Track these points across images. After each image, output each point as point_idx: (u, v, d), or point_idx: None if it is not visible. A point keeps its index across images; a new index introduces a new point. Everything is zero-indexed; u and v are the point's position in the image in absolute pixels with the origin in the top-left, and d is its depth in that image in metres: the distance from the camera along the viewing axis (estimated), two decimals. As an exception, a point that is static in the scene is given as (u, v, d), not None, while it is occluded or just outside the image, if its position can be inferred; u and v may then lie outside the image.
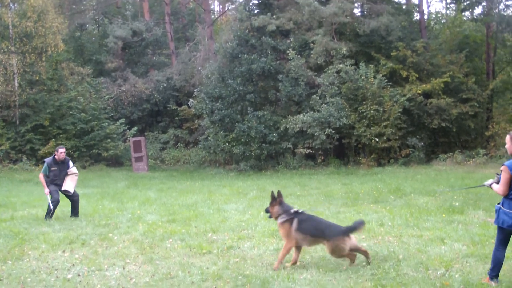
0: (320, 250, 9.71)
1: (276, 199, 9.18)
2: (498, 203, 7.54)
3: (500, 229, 7.50)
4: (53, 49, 34.92)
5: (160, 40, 47.87)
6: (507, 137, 7.47)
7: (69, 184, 14.16)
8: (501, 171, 7.39)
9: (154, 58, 47.99)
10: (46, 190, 14.00)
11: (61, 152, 14.17)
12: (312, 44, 31.90)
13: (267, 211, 9.37)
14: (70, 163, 14.57)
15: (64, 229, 12.23)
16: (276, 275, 8.05)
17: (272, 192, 9.34)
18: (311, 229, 8.69)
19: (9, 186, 24.17)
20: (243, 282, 7.78)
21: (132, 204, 16.95)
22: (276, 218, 9.05)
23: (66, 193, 14.17)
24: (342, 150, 32.98)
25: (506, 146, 7.53)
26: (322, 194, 19.00)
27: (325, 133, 29.57)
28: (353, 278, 7.91)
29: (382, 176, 25.36)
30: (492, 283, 7.46)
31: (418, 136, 31.57)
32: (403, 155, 30.84)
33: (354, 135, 30.59)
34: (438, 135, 33.56)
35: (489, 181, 7.75)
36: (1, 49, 33.47)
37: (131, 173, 32.13)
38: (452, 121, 32.03)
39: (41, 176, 14.28)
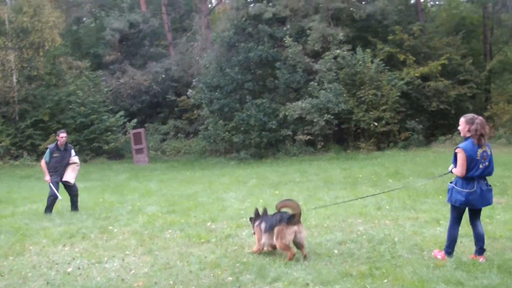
0: (317, 235, 9.83)
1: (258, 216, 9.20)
2: (451, 182, 7.95)
3: (454, 207, 7.93)
4: (50, 43, 34.90)
5: (157, 31, 47.79)
6: (461, 120, 7.86)
7: (69, 175, 14.08)
8: (455, 153, 7.75)
9: (151, 49, 47.88)
10: (47, 177, 13.95)
11: (62, 136, 13.98)
12: (308, 31, 31.97)
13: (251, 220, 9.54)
14: (73, 151, 14.43)
15: (65, 224, 12.31)
16: (272, 262, 8.14)
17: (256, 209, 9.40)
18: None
19: (10, 182, 24.27)
20: (240, 270, 7.87)
21: (132, 196, 17.05)
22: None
23: (66, 183, 14.14)
24: (341, 136, 33.05)
25: (460, 128, 7.91)
26: (321, 179, 19.11)
27: (324, 119, 29.63)
28: (348, 261, 8.02)
29: (382, 160, 25.45)
30: (448, 258, 7.88)
31: (417, 119, 31.66)
32: (402, 139, 30.96)
33: (353, 120, 30.69)
34: (436, 117, 33.60)
35: (451, 167, 8.02)
36: (-3, 45, 33.51)
37: (132, 165, 32.22)
38: (450, 103, 32.13)
39: (42, 162, 14.17)
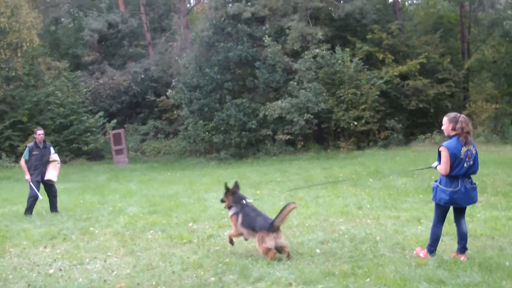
0: (299, 235, 9.86)
1: (229, 190, 9.33)
2: (435, 181, 8.01)
3: (438, 206, 7.99)
4: (28, 44, 34.55)
5: (136, 31, 47.60)
6: (444, 119, 7.89)
7: (51, 173, 14.06)
8: (439, 151, 7.81)
9: (130, 49, 47.73)
10: (27, 176, 13.94)
11: (39, 134, 14.05)
12: (287, 30, 32.03)
13: (222, 201, 9.58)
14: (52, 149, 14.44)
15: (45, 225, 12.24)
16: (255, 262, 8.14)
17: (225, 183, 9.46)
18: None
19: (-12, 184, 24.12)
20: (223, 270, 7.87)
21: (113, 197, 17.00)
22: (228, 208, 9.27)
23: (49, 182, 14.09)
24: (321, 135, 33.15)
25: (443, 127, 7.94)
26: (302, 179, 19.17)
27: (304, 118, 29.70)
28: (331, 261, 8.04)
29: (362, 159, 25.57)
30: (430, 256, 7.93)
31: (396, 118, 31.85)
32: (382, 138, 31.12)
33: (333, 119, 30.77)
34: (416, 116, 33.83)
35: (435, 164, 8.10)
36: (-26, 46, 33.20)
37: (112, 166, 32.11)
38: (429, 102, 32.35)
39: (22, 161, 14.19)
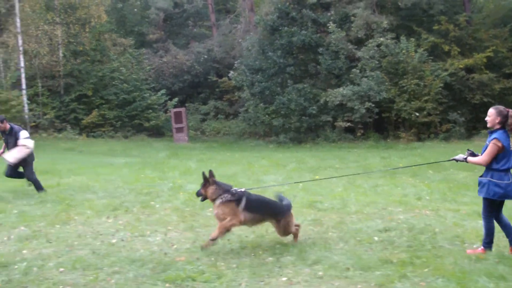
0: (357, 221, 9.86)
1: (209, 180, 8.56)
2: (481, 176, 7.86)
3: (488, 200, 7.78)
4: (96, 20, 35.44)
5: (201, 12, 48.02)
6: (491, 111, 7.77)
7: (10, 153, 13.10)
8: (492, 143, 7.60)
9: (195, 30, 48.17)
10: None
11: None
12: (352, 17, 31.79)
13: (199, 194, 8.79)
14: (21, 134, 13.17)
15: (108, 197, 12.55)
16: (313, 245, 8.22)
17: (203, 172, 8.71)
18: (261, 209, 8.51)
19: (54, 154, 24.67)
20: (280, 251, 7.94)
21: (173, 174, 17.22)
22: (214, 199, 8.49)
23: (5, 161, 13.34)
24: (381, 124, 32.87)
25: (488, 119, 7.79)
26: (360, 167, 19.08)
27: (365, 106, 29.58)
28: (389, 249, 8.04)
29: (422, 151, 25.28)
30: (486, 251, 7.81)
31: (459, 111, 31.31)
32: (443, 130, 30.69)
33: (394, 109, 30.49)
34: (479, 110, 33.01)
35: (460, 156, 8.08)
36: (46, 20, 34.06)
37: (171, 144, 32.54)
38: (494, 97, 31.63)
39: None
